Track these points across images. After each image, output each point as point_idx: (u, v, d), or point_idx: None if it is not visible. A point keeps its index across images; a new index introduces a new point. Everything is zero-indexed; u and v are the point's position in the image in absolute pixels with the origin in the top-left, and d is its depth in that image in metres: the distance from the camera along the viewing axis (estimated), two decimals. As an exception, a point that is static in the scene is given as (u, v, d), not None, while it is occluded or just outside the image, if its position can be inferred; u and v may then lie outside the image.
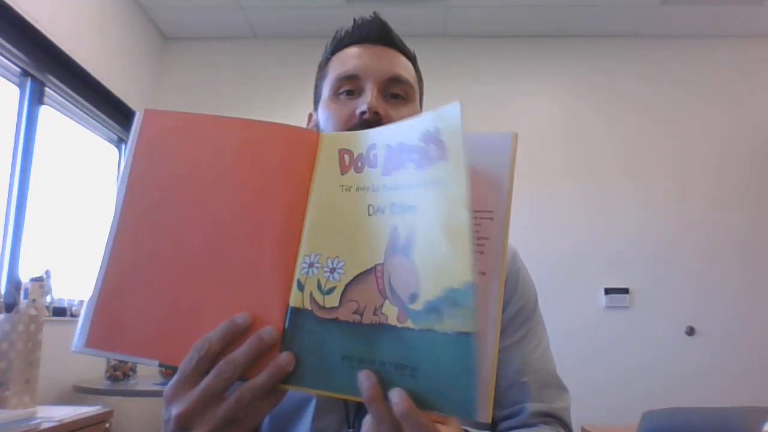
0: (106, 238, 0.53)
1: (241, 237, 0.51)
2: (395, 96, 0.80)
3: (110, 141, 3.25)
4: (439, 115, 0.48)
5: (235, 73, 3.45)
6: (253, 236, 0.51)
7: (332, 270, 0.49)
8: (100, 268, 0.52)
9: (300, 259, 0.50)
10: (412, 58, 0.86)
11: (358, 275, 0.48)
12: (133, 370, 2.59)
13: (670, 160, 3.32)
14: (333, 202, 0.51)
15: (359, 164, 0.52)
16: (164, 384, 2.49)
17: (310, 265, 0.50)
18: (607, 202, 3.27)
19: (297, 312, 0.49)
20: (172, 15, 3.30)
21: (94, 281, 0.52)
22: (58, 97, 2.67)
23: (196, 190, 0.53)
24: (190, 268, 0.51)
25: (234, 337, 0.48)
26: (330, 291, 0.49)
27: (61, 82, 2.60)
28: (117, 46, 3.01)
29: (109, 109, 3.01)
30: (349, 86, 0.80)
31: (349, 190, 0.51)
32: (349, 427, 0.71)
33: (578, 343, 3.04)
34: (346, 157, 0.52)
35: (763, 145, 3.33)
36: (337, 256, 0.49)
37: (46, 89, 2.54)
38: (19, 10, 2.19)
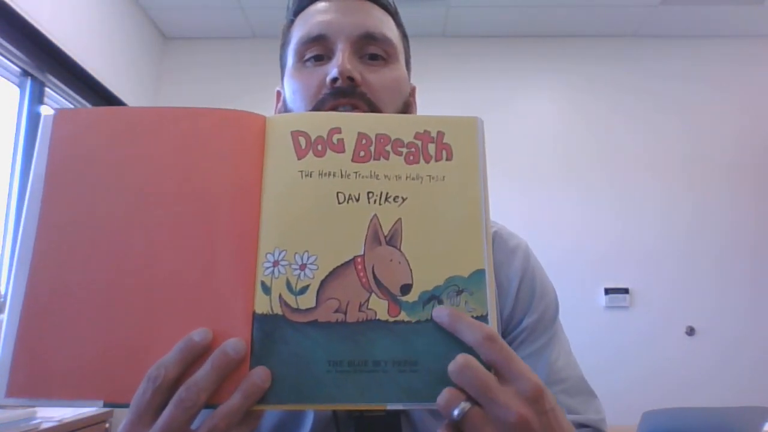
0: (18, 262, 0.44)
1: (188, 240, 0.44)
2: (373, 57, 0.68)
3: (110, 141, 3.25)
4: (444, 120, 0.50)
5: (235, 73, 3.45)
6: (202, 238, 0.44)
7: (302, 267, 0.44)
8: (15, 298, 0.43)
9: (261, 258, 0.44)
10: (392, 12, 0.74)
11: (334, 270, 0.45)
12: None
13: (670, 159, 3.32)
14: (292, 190, 0.46)
15: (319, 147, 0.47)
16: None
17: (275, 263, 0.44)
18: (606, 202, 3.27)
19: (265, 319, 0.43)
20: (172, 15, 3.30)
21: (7, 315, 0.43)
22: (58, 97, 2.67)
23: (127, 193, 0.45)
24: (130, 284, 0.43)
25: (193, 358, 0.41)
26: (303, 290, 0.44)
27: (61, 82, 2.60)
28: (117, 46, 3.01)
29: (109, 109, 3.01)
30: (316, 50, 0.67)
31: (310, 176, 0.47)
32: None
33: (578, 343, 3.03)
34: (301, 139, 0.48)
35: (763, 146, 3.32)
36: (307, 251, 0.45)
37: (46, 89, 2.54)
38: (19, 10, 2.19)
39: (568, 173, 3.30)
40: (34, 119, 2.46)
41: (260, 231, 0.45)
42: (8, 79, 2.39)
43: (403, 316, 0.44)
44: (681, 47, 3.44)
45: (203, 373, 0.40)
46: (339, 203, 0.46)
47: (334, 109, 0.64)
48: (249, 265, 0.44)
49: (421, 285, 0.45)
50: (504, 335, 0.66)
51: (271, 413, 0.62)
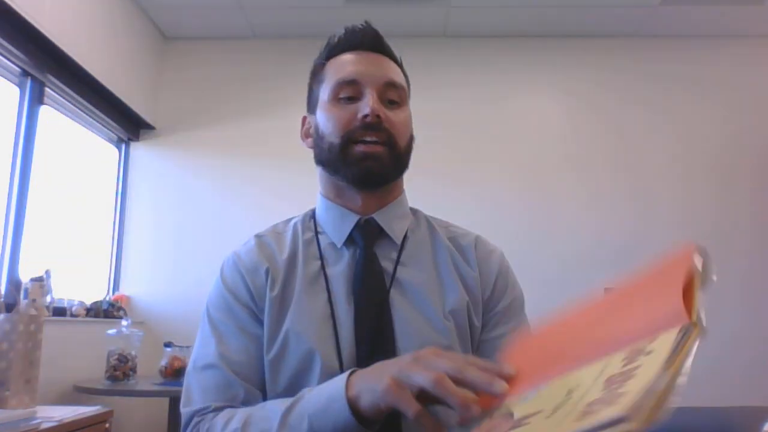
0: None
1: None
2: (391, 101, 0.87)
3: (110, 141, 3.25)
4: None
5: (235, 73, 3.45)
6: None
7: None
8: None
9: None
10: (400, 64, 0.93)
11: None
12: (133, 370, 2.59)
13: (670, 160, 3.32)
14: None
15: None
16: (164, 384, 2.49)
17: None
18: (606, 202, 3.27)
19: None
20: (172, 15, 3.30)
21: None
22: (58, 97, 2.67)
23: None
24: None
25: (492, 373, 0.56)
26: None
27: (61, 82, 2.60)
28: (117, 45, 3.01)
29: (109, 108, 3.01)
30: (349, 91, 0.85)
31: None
32: None
33: (578, 343, 3.03)
34: None
35: (763, 146, 3.32)
36: None
37: (46, 89, 2.54)
38: (19, 10, 2.19)
39: (568, 173, 3.30)
40: (33, 119, 2.47)
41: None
42: (8, 79, 2.39)
43: None
44: (681, 47, 3.43)
45: (473, 372, 0.55)
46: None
47: (362, 138, 0.82)
48: None
49: None
50: (484, 313, 0.86)
51: (287, 366, 0.79)
